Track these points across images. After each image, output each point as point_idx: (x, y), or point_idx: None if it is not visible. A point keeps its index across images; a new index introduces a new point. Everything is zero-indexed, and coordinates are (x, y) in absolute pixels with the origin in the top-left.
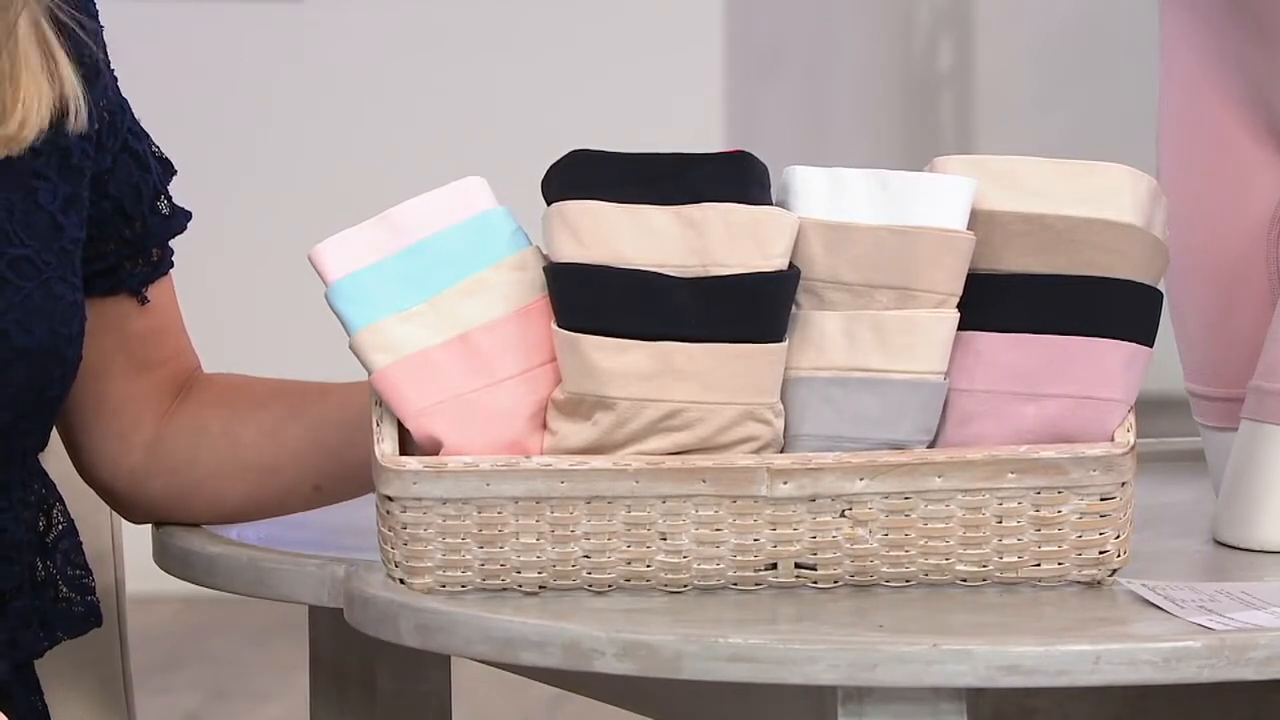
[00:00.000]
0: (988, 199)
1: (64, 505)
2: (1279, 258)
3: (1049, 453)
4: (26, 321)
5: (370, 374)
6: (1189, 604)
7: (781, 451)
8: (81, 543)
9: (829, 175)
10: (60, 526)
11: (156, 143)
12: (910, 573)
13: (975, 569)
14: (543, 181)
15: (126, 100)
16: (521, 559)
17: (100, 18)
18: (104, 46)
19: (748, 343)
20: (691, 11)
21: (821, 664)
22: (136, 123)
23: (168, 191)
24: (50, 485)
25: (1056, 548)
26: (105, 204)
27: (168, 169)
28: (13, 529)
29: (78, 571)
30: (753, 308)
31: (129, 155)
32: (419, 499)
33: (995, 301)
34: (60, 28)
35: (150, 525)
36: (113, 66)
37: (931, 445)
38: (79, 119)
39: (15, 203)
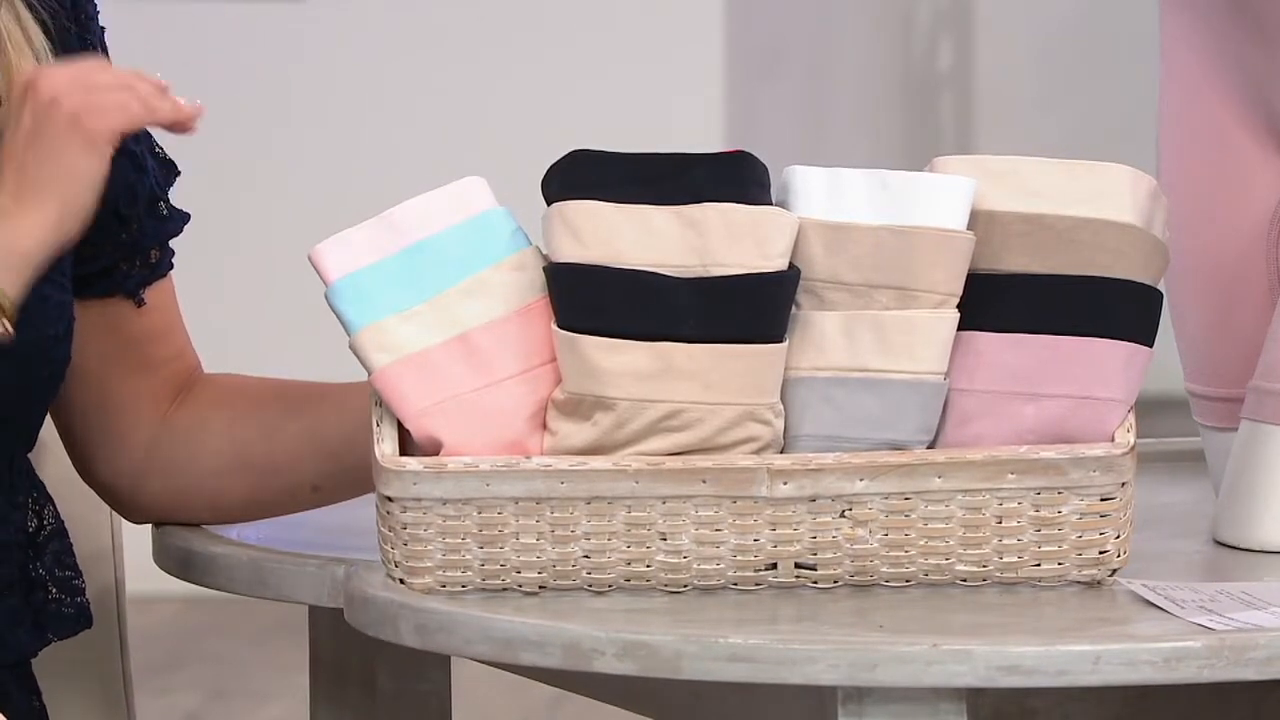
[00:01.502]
0: (988, 199)
1: (55, 506)
2: (1279, 258)
3: (1049, 453)
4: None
5: (370, 374)
6: (1189, 604)
7: (782, 452)
8: (72, 544)
9: (829, 175)
10: (50, 527)
11: (160, 144)
12: (910, 573)
13: (975, 569)
14: (543, 181)
15: None
16: (521, 559)
17: (100, 18)
18: (105, 47)
19: (748, 343)
20: (691, 11)
21: (821, 664)
22: None
23: (166, 194)
24: (40, 486)
25: (1056, 548)
26: (99, 206)
27: (170, 170)
28: (1, 530)
29: (68, 573)
30: (753, 308)
31: (124, 157)
32: (419, 499)
33: (995, 301)
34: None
35: (150, 525)
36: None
37: (931, 445)
38: None
39: None
